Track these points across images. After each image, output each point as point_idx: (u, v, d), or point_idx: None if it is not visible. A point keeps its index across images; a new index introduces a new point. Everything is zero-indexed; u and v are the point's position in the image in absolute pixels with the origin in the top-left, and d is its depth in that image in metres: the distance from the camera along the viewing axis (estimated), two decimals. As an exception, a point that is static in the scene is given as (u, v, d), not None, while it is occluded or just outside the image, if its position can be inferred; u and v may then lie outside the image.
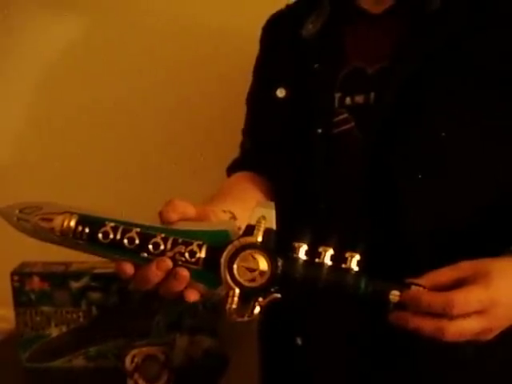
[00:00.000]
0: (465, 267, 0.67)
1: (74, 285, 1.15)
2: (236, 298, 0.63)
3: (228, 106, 1.23)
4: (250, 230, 0.64)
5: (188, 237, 0.64)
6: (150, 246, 0.64)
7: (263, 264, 0.64)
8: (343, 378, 0.86)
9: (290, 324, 0.89)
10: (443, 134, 0.77)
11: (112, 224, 0.65)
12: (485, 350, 0.71)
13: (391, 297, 0.65)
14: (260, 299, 0.64)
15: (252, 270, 0.64)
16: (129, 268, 0.64)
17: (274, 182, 0.91)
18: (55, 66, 1.36)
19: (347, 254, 0.65)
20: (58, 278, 1.16)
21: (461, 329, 0.65)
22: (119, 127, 1.36)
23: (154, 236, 0.64)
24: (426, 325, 0.65)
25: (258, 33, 0.99)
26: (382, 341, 0.81)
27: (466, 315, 0.64)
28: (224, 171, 0.99)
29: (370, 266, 0.82)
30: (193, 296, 0.65)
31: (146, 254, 0.64)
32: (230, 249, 0.64)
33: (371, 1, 0.86)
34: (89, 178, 1.37)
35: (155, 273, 0.63)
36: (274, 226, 0.65)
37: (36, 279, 1.14)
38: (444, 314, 0.64)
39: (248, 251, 0.64)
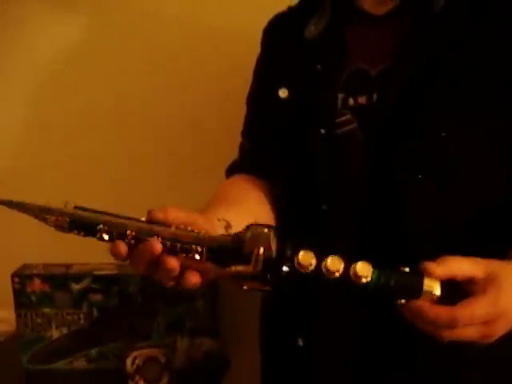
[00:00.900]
0: (480, 267, 0.67)
1: (75, 287, 1.15)
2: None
3: (228, 106, 1.23)
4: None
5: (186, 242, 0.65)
6: None
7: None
8: (345, 379, 0.86)
9: (291, 325, 0.89)
10: (443, 134, 0.77)
11: (106, 228, 0.65)
12: (486, 350, 0.71)
13: (398, 302, 0.65)
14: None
15: None
16: (123, 247, 0.64)
17: (274, 184, 0.91)
18: (55, 66, 1.35)
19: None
20: (58, 279, 1.15)
21: (461, 336, 0.66)
22: (119, 127, 1.35)
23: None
24: (428, 328, 0.66)
25: (259, 33, 0.99)
26: (384, 341, 0.81)
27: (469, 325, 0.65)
28: (224, 171, 0.99)
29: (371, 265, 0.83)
30: (194, 279, 0.65)
31: None
32: None
33: (373, 2, 0.86)
34: (88, 177, 1.37)
35: (151, 249, 0.63)
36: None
37: (37, 281, 1.14)
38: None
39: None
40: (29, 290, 1.15)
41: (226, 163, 0.99)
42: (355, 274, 0.65)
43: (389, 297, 0.66)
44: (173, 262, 0.64)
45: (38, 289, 1.15)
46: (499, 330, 0.67)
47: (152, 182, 1.34)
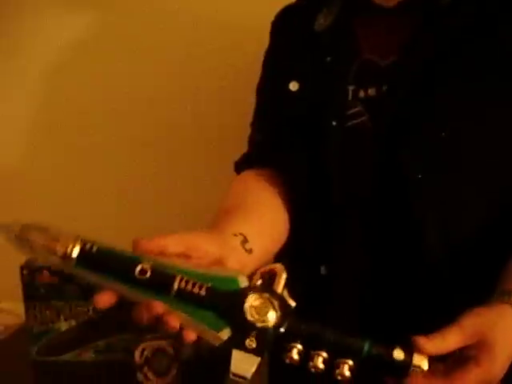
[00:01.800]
0: (469, 332, 0.66)
1: (84, 279, 1.15)
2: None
3: (228, 105, 1.23)
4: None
5: (193, 276, 0.64)
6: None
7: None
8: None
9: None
10: (454, 126, 0.77)
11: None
12: None
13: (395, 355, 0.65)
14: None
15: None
16: (107, 297, 0.66)
17: (287, 177, 0.90)
18: (55, 66, 1.35)
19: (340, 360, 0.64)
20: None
21: None
22: (120, 127, 1.35)
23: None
24: None
25: (266, 26, 0.98)
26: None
27: None
28: (224, 171, 0.98)
29: (379, 258, 0.83)
30: (192, 336, 0.64)
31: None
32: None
33: None
34: (89, 179, 1.36)
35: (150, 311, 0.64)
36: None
37: (46, 273, 1.14)
38: None
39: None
40: (38, 282, 1.15)
41: (226, 163, 0.98)
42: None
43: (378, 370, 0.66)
44: (174, 323, 0.64)
45: (46, 281, 1.15)
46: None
47: (152, 182, 1.34)
